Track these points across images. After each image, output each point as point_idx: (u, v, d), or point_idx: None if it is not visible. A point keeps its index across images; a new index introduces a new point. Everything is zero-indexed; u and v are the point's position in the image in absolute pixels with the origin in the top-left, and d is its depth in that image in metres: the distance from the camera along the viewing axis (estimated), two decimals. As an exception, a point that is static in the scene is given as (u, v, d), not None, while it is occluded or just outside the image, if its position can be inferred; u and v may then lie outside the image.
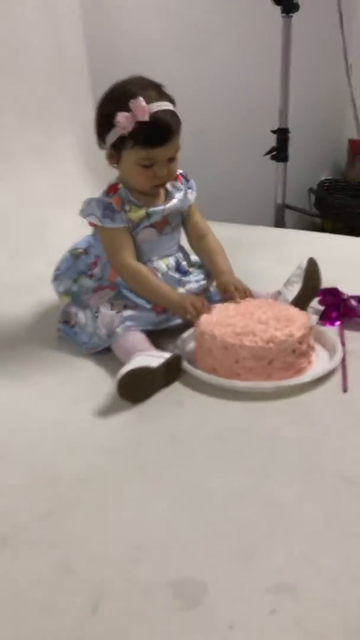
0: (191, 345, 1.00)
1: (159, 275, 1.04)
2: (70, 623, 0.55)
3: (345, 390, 0.90)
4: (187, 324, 1.01)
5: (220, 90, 2.19)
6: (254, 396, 0.88)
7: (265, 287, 1.10)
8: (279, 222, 1.97)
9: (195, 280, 1.09)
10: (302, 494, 0.69)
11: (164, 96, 0.97)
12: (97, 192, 1.43)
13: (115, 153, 1.00)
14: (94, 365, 0.99)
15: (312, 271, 1.09)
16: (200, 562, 0.60)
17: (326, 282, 1.12)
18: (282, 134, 1.85)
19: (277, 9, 1.77)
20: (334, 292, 1.12)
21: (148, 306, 1.01)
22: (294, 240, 1.61)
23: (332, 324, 1.07)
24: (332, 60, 2.42)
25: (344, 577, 0.58)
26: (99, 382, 0.94)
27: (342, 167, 3.05)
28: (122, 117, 0.93)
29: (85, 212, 1.02)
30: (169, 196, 1.06)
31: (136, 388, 0.86)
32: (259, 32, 2.06)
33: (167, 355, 0.91)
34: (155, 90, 0.97)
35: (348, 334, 1.04)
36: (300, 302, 1.06)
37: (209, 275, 1.11)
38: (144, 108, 0.92)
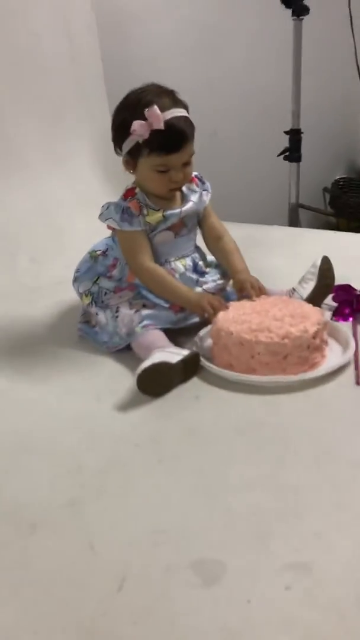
0: (208, 342, 1.04)
1: (177, 275, 1.08)
2: (97, 599, 0.59)
3: (358, 383, 0.92)
4: (205, 322, 1.05)
5: (233, 93, 2.23)
6: (270, 390, 0.91)
7: (280, 285, 1.13)
8: (293, 222, 1.99)
9: (212, 279, 1.12)
10: (315, 480, 0.72)
11: (177, 103, 1.01)
12: (113, 196, 1.47)
13: (132, 160, 1.03)
14: (114, 363, 1.03)
15: (325, 269, 1.11)
16: (218, 543, 0.64)
17: (339, 279, 1.14)
18: (294, 135, 1.87)
19: (288, 12, 1.79)
20: (347, 289, 1.15)
21: (166, 305, 1.04)
22: (308, 239, 1.63)
23: (345, 319, 1.10)
24: (343, 60, 2.44)
25: (355, 555, 0.61)
26: (119, 379, 0.97)
27: (356, 166, 3.06)
28: (137, 126, 0.97)
29: (104, 216, 1.06)
30: (184, 199, 1.09)
31: (155, 383, 0.90)
32: (271, 35, 2.09)
33: (185, 352, 0.95)
34: (169, 98, 1.00)
35: (361, 329, 1.06)
36: (315, 299, 1.09)
37: (225, 275, 1.14)
38: (158, 116, 0.96)
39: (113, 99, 1.64)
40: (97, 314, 1.08)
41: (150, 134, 0.97)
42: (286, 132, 1.89)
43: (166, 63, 1.96)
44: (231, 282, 1.13)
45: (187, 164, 1.03)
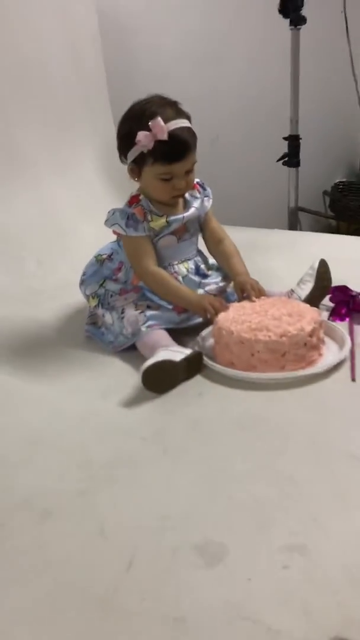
0: (210, 341, 1.08)
1: (180, 278, 1.12)
2: (107, 579, 0.63)
3: (353, 379, 0.97)
4: (207, 322, 1.09)
5: (233, 100, 2.28)
6: (269, 386, 0.95)
7: (279, 287, 1.18)
8: (293, 225, 2.04)
9: (214, 282, 1.16)
10: (312, 470, 0.76)
11: (180, 114, 1.05)
12: (117, 201, 1.51)
13: (137, 168, 1.08)
14: (120, 362, 1.07)
15: (323, 272, 1.16)
16: (221, 527, 0.68)
17: (336, 280, 1.19)
18: (293, 141, 1.92)
19: (286, 22, 1.84)
20: (343, 290, 1.19)
21: (170, 306, 1.09)
22: (306, 242, 1.68)
23: (342, 319, 1.14)
24: (340, 68, 2.50)
25: (349, 537, 0.65)
26: (125, 377, 1.01)
27: (355, 170, 3.11)
28: (142, 136, 1.01)
29: (110, 222, 1.11)
30: (187, 205, 1.14)
31: (159, 379, 0.94)
32: (270, 44, 2.14)
33: (188, 351, 0.99)
34: (172, 109, 1.05)
35: (357, 328, 1.11)
36: (312, 300, 1.13)
37: (226, 277, 1.18)
38: (162, 127, 1.00)
39: (116, 107, 1.70)
40: (103, 315, 1.13)
41: (155, 144, 1.02)
42: (285, 138, 1.94)
43: (168, 72, 2.01)
44: (232, 284, 1.17)
45: (189, 172, 1.07)
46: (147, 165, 1.06)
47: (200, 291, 1.13)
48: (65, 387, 1.02)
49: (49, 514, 0.73)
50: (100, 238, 1.23)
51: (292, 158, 1.93)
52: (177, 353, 0.97)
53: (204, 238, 1.20)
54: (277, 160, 1.95)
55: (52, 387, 1.02)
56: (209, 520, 0.69)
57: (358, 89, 2.50)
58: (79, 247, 1.46)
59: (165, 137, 1.01)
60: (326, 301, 1.18)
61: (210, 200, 1.18)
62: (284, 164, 1.95)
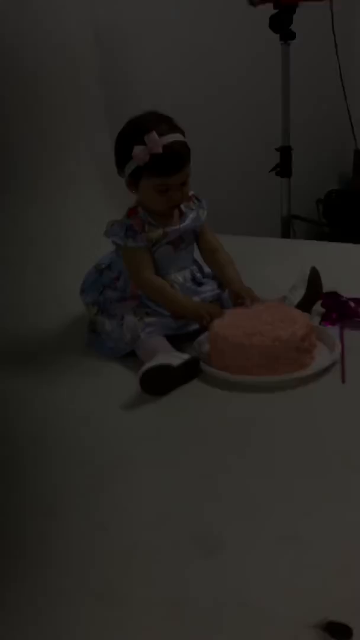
0: (206, 347, 1.12)
1: (177, 286, 1.17)
2: (110, 570, 0.67)
3: (343, 381, 1.01)
4: (203, 329, 1.13)
5: (227, 112, 2.33)
6: (263, 389, 0.99)
7: (272, 293, 1.21)
8: (285, 234, 2.09)
9: (210, 289, 1.20)
10: (304, 467, 0.80)
11: (174, 128, 1.10)
12: (115, 212, 1.55)
13: (134, 181, 1.12)
14: (119, 368, 1.11)
15: (314, 279, 1.20)
16: (218, 521, 0.72)
17: (328, 286, 1.23)
18: (285, 152, 1.97)
19: (277, 37, 1.90)
20: (334, 296, 1.23)
21: (167, 314, 1.13)
22: (298, 250, 1.72)
23: (333, 324, 1.18)
24: (330, 81, 2.57)
25: (337, 529, 0.69)
26: (124, 382, 1.05)
27: (348, 178, 3.16)
28: (138, 151, 1.06)
29: (109, 233, 1.15)
30: (183, 216, 1.18)
31: (157, 382, 0.98)
32: (261, 59, 2.20)
33: (186, 356, 1.03)
34: (166, 124, 1.09)
35: (347, 332, 1.14)
36: (304, 305, 1.17)
37: (221, 285, 1.22)
38: (157, 141, 1.05)
39: (113, 119, 1.74)
40: (103, 322, 1.17)
41: (150, 158, 1.06)
42: (277, 149, 1.99)
43: (164, 84, 2.06)
44: (226, 291, 1.21)
45: (184, 183, 1.12)
46: (144, 178, 1.10)
47: (197, 299, 1.17)
48: (67, 391, 1.06)
49: (53, 512, 0.77)
50: (99, 248, 1.27)
51: (284, 168, 1.98)
52: (175, 358, 1.01)
53: (199, 248, 1.24)
54: (270, 171, 2.00)
55: (54, 391, 1.06)
56: (207, 514, 0.73)
57: (347, 101, 2.57)
58: (79, 257, 1.50)
59: (160, 150, 1.05)
60: (317, 306, 1.23)
61: (205, 212, 1.22)
62: (276, 174, 2.00)
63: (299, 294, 1.19)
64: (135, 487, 0.80)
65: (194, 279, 1.21)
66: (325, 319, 1.19)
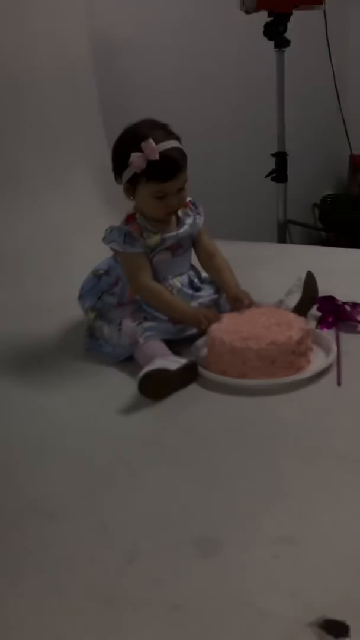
0: (204, 351, 1.13)
1: (174, 291, 1.18)
2: (110, 572, 0.68)
3: (339, 384, 1.02)
4: (201, 333, 1.14)
5: (222, 118, 2.35)
6: (260, 392, 1.00)
7: (268, 298, 1.23)
8: (281, 238, 2.10)
9: (207, 294, 1.22)
10: (300, 468, 0.82)
11: (170, 135, 1.11)
12: (113, 218, 1.56)
13: (131, 187, 1.14)
14: (118, 372, 1.12)
15: (310, 283, 1.22)
16: (216, 523, 0.73)
17: (324, 290, 1.24)
18: (280, 157, 1.99)
19: (271, 44, 1.92)
20: (330, 300, 1.25)
21: (165, 318, 1.14)
22: (294, 255, 1.73)
23: (329, 327, 1.20)
24: (324, 87, 2.60)
25: (334, 529, 0.71)
26: (123, 386, 1.06)
27: (344, 183, 3.19)
28: (135, 158, 1.07)
29: (107, 240, 1.16)
30: (180, 222, 1.20)
31: (155, 386, 0.99)
32: (256, 65, 2.22)
33: (184, 360, 1.04)
34: (162, 131, 1.11)
35: (343, 335, 1.16)
36: (300, 309, 1.19)
37: (218, 290, 1.24)
38: (154, 148, 1.06)
39: (109, 126, 1.76)
40: (101, 327, 1.18)
41: (147, 165, 1.08)
42: (273, 155, 2.01)
43: (159, 91, 2.08)
44: (224, 295, 1.23)
45: (181, 190, 1.13)
46: (141, 185, 1.12)
47: (194, 303, 1.18)
48: (66, 396, 1.07)
49: (54, 515, 0.78)
50: (97, 254, 1.28)
51: (279, 174, 2.00)
52: (173, 362, 1.03)
53: (196, 253, 1.26)
54: (266, 177, 2.02)
55: (53, 396, 1.07)
56: (205, 516, 0.75)
57: (341, 107, 2.60)
58: (77, 263, 1.51)
59: (156, 157, 1.07)
60: (313, 310, 1.24)
61: (202, 218, 1.24)
62: (272, 179, 2.02)
63: (295, 298, 1.20)
64: (134, 490, 0.81)
65: (191, 284, 1.22)
66: (321, 322, 1.21)
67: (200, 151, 2.20)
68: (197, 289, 1.23)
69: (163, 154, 1.08)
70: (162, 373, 1.00)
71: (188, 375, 1.04)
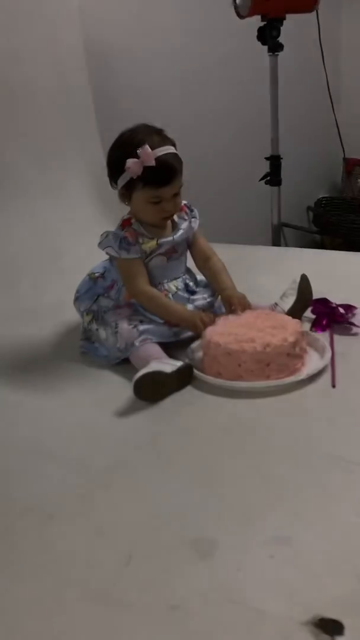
0: (199, 354, 1.14)
1: (170, 295, 1.19)
2: (107, 574, 0.68)
3: (333, 386, 1.03)
4: (197, 336, 1.15)
5: (217, 122, 2.37)
6: (255, 394, 1.01)
7: (263, 300, 1.24)
8: (276, 241, 2.12)
9: (202, 297, 1.23)
10: (295, 469, 0.83)
11: (166, 140, 1.12)
12: (108, 222, 1.57)
13: (127, 193, 1.14)
14: (114, 375, 1.13)
15: (304, 286, 1.22)
16: (212, 524, 0.74)
17: (318, 293, 1.25)
18: (274, 161, 2.01)
19: (265, 48, 1.94)
20: (324, 302, 1.26)
21: (161, 321, 1.15)
22: (289, 258, 1.75)
23: (323, 330, 1.21)
24: (317, 91, 2.62)
25: (329, 529, 0.71)
26: (119, 389, 1.07)
27: (338, 185, 3.21)
28: (131, 163, 1.08)
29: (103, 245, 1.17)
30: (176, 226, 1.20)
31: (151, 389, 1.00)
32: (250, 70, 2.24)
33: (179, 363, 1.05)
34: (158, 136, 1.12)
35: (337, 337, 1.17)
36: (295, 312, 1.19)
37: (214, 293, 1.25)
38: (149, 154, 1.07)
39: (104, 130, 1.77)
40: (97, 330, 1.19)
41: (143, 170, 1.08)
42: (267, 158, 2.02)
43: (153, 95, 2.09)
44: (219, 298, 1.23)
45: (177, 194, 1.14)
46: (137, 190, 1.12)
47: (190, 307, 1.19)
48: (62, 399, 1.08)
49: (51, 517, 0.78)
50: (92, 258, 1.29)
51: (274, 177, 2.01)
52: (169, 365, 1.03)
53: (192, 256, 1.26)
54: (260, 180, 2.03)
55: (49, 400, 1.08)
56: (201, 518, 0.75)
57: (334, 110, 2.62)
58: (72, 267, 1.51)
59: (152, 163, 1.08)
60: (308, 313, 1.25)
61: (197, 221, 1.25)
62: (266, 182, 2.03)
63: (289, 301, 1.21)
64: (130, 492, 0.82)
65: (186, 288, 1.23)
66: (315, 325, 1.22)
67: (195, 155, 2.21)
68: (193, 293, 1.23)
69: (159, 159, 1.09)
70: (157, 376, 1.00)
71: (183, 378, 1.05)
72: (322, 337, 1.16)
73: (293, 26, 1.95)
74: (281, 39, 1.89)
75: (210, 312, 1.19)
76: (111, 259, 1.21)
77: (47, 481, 0.86)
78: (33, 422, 1.02)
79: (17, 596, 0.67)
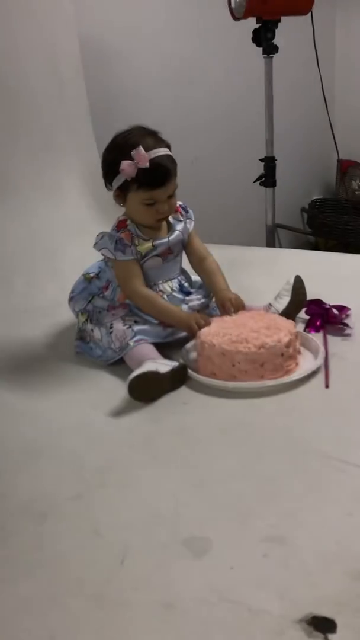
0: (194, 354, 1.14)
1: (165, 296, 1.19)
2: (103, 572, 0.69)
3: (327, 386, 1.04)
4: (190, 337, 1.15)
5: (212, 123, 2.38)
6: (249, 395, 1.02)
7: (258, 301, 1.25)
8: (270, 243, 2.13)
9: (197, 298, 1.23)
10: (289, 469, 0.83)
11: (160, 142, 1.13)
12: (102, 222, 1.57)
13: (122, 194, 1.15)
14: (108, 376, 1.13)
15: (298, 287, 1.23)
16: (206, 523, 0.74)
17: (312, 294, 1.26)
18: (269, 162, 2.01)
19: (260, 50, 1.94)
20: (318, 303, 1.27)
21: (156, 321, 1.15)
22: (283, 259, 1.76)
23: (316, 330, 1.21)
24: (312, 93, 2.63)
25: (322, 528, 0.72)
26: (114, 389, 1.07)
27: (332, 187, 3.23)
28: (125, 165, 1.08)
29: (99, 246, 1.17)
30: (171, 228, 1.21)
31: (145, 389, 1.00)
32: (245, 72, 2.25)
33: (174, 363, 1.06)
34: (152, 138, 1.12)
35: (330, 338, 1.18)
36: (289, 313, 1.20)
37: (208, 294, 1.25)
38: (144, 156, 1.07)
39: (99, 132, 1.77)
40: (92, 330, 1.19)
41: (138, 172, 1.09)
42: (261, 160, 2.03)
43: (149, 97, 2.10)
44: (214, 299, 1.24)
45: (171, 196, 1.15)
46: (132, 192, 1.13)
47: (184, 307, 1.19)
48: (57, 400, 1.08)
49: (46, 517, 0.78)
50: (87, 258, 1.30)
51: (268, 178, 2.02)
52: (163, 365, 1.04)
53: (188, 256, 1.27)
54: (254, 181, 2.04)
55: (44, 400, 1.08)
56: (195, 517, 0.76)
57: (329, 112, 2.63)
58: (67, 267, 1.52)
59: (147, 165, 1.08)
60: (302, 314, 1.26)
61: (193, 222, 1.25)
62: (260, 184, 2.04)
63: (283, 302, 1.22)
64: (125, 491, 0.82)
65: (181, 289, 1.23)
66: (309, 325, 1.23)
67: (190, 157, 2.23)
68: (188, 293, 1.24)
69: (153, 161, 1.09)
70: (152, 376, 1.01)
71: (178, 378, 1.05)
72: (316, 337, 1.16)
73: (288, 28, 1.96)
74: (276, 41, 1.90)
75: (205, 314, 1.19)
76: (106, 260, 1.21)
77: (41, 480, 0.86)
78: (27, 421, 1.02)
79: (12, 595, 0.67)
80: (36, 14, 1.73)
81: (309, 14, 2.00)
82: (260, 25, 1.89)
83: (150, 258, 1.18)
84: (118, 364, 1.14)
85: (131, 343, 1.10)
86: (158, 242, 1.17)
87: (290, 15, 1.91)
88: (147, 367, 1.02)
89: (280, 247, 2.60)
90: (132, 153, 1.07)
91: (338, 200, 3.02)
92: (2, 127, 1.69)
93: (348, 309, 1.26)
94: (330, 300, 1.26)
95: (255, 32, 1.91)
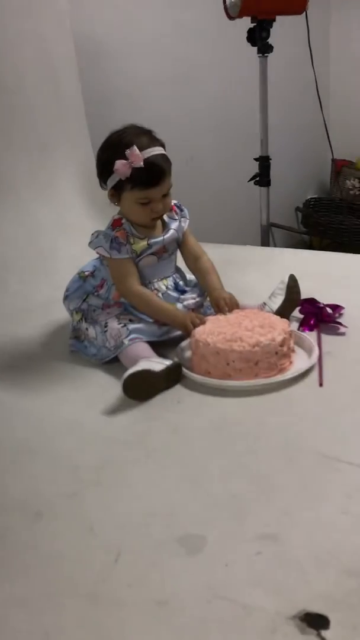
0: (188, 353, 1.15)
1: (160, 294, 1.19)
2: (97, 570, 0.69)
3: (321, 384, 1.04)
4: (185, 335, 1.15)
5: (206, 123, 2.38)
6: (243, 393, 1.02)
7: (252, 300, 1.25)
8: (265, 242, 2.13)
9: (192, 297, 1.23)
10: (283, 467, 0.83)
11: (154, 141, 1.13)
12: (97, 221, 1.57)
13: (116, 193, 1.15)
14: (103, 374, 1.13)
15: (292, 286, 1.24)
16: (200, 521, 0.74)
17: (306, 293, 1.27)
18: (263, 161, 2.02)
19: (254, 50, 1.95)
20: (312, 302, 1.27)
21: (151, 320, 1.15)
22: (278, 257, 1.76)
23: (310, 329, 1.22)
24: (306, 92, 2.64)
25: (315, 526, 0.72)
26: (108, 388, 1.07)
27: (326, 186, 3.24)
28: (120, 165, 1.08)
29: (94, 244, 1.17)
30: (166, 226, 1.21)
31: (140, 388, 1.01)
32: (240, 71, 2.25)
33: (168, 362, 1.06)
34: (146, 137, 1.12)
35: (324, 337, 1.19)
36: (283, 312, 1.21)
37: (203, 293, 1.25)
38: (138, 155, 1.07)
39: (94, 130, 1.77)
40: (87, 329, 1.19)
41: (132, 172, 1.09)
42: (256, 159, 2.03)
43: (144, 96, 2.10)
44: (208, 298, 1.24)
45: (166, 195, 1.15)
46: (126, 191, 1.13)
47: (179, 306, 1.20)
48: (52, 398, 1.08)
49: (41, 515, 0.78)
50: (81, 257, 1.30)
51: (262, 178, 2.02)
52: (158, 364, 1.04)
53: (182, 255, 1.27)
54: (249, 181, 2.04)
55: (39, 398, 1.08)
56: (190, 515, 0.76)
57: (323, 111, 2.64)
58: (61, 266, 1.52)
59: (141, 164, 1.08)
60: (296, 313, 1.26)
61: (187, 221, 1.25)
62: (255, 183, 2.05)
63: (278, 301, 1.23)
64: (119, 489, 0.82)
65: (176, 287, 1.24)
66: (303, 324, 1.23)
67: (184, 156, 2.23)
68: (183, 292, 1.24)
69: (147, 160, 1.09)
70: (146, 374, 1.01)
71: (172, 377, 1.05)
72: (310, 336, 1.17)
73: (283, 28, 1.97)
74: (271, 41, 1.91)
75: (200, 312, 1.19)
76: (102, 258, 1.21)
77: (36, 478, 0.86)
78: (22, 420, 1.02)
79: (6, 594, 0.67)
80: (31, 13, 1.73)
81: (304, 13, 2.00)
82: (255, 24, 1.90)
83: (145, 256, 1.18)
84: (113, 363, 1.14)
85: (126, 342, 1.11)
86: (153, 240, 1.17)
87: (285, 15, 1.92)
88: (142, 365, 1.02)
89: (275, 246, 2.61)
90: (126, 152, 1.07)
91: (332, 200, 3.02)
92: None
93: (342, 307, 1.26)
94: (324, 299, 1.27)
95: (250, 31, 1.92)
